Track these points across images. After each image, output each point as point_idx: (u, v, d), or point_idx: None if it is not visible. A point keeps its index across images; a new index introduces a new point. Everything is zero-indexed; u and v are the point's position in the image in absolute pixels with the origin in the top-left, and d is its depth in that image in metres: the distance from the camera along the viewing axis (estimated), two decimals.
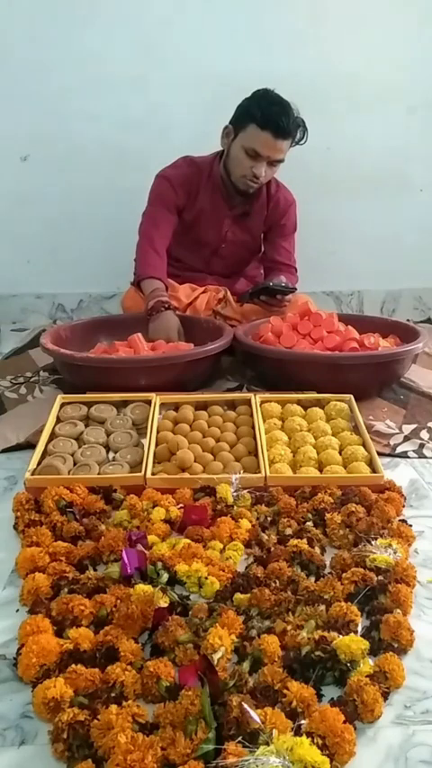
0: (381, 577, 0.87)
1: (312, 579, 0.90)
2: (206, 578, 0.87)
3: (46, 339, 1.61)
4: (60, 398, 1.38)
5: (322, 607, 0.81)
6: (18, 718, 0.69)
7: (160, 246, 1.87)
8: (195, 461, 1.20)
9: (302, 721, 0.65)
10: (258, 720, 0.63)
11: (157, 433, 1.28)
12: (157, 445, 1.25)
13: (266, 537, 0.98)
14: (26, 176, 2.36)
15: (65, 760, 0.63)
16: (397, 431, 1.43)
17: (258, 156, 1.77)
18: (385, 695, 0.70)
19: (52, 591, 0.85)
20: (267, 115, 1.72)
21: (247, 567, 0.92)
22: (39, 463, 1.17)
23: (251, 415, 1.35)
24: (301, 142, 1.81)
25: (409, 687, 0.73)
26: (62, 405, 1.37)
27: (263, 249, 2.12)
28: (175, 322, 1.72)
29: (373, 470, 1.18)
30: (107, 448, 1.27)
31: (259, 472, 1.16)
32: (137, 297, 1.88)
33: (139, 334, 1.68)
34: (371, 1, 2.29)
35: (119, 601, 0.81)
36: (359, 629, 0.78)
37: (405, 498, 1.12)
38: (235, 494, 1.09)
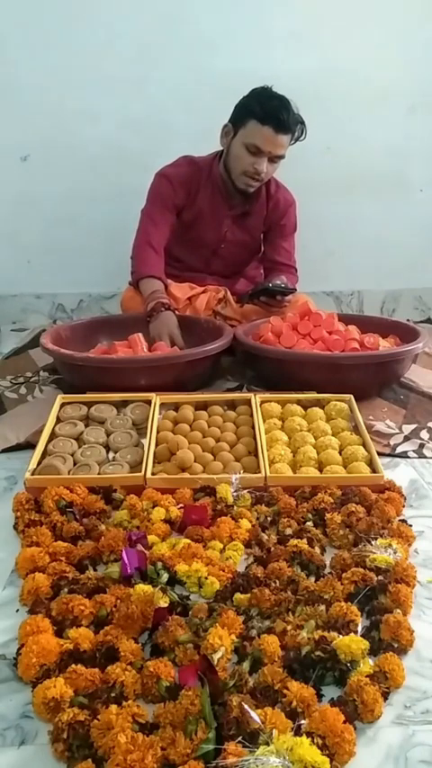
0: (381, 577, 0.87)
1: (312, 579, 0.90)
2: (206, 578, 0.88)
3: (46, 339, 1.61)
4: (60, 398, 1.38)
5: (322, 607, 0.81)
6: (18, 718, 0.70)
7: (158, 244, 1.87)
8: (195, 461, 1.20)
9: (302, 721, 0.65)
10: (258, 720, 0.63)
11: (157, 433, 1.28)
12: (157, 445, 1.25)
13: (266, 537, 0.98)
14: (26, 176, 2.36)
15: (65, 760, 0.63)
16: (397, 431, 1.43)
17: (259, 151, 1.77)
18: (385, 695, 0.70)
19: (52, 591, 0.85)
20: (268, 110, 1.72)
21: (247, 567, 0.92)
22: (39, 463, 1.17)
23: (251, 415, 1.35)
24: (301, 139, 1.81)
25: (409, 687, 0.73)
26: (62, 405, 1.37)
27: (263, 249, 2.12)
28: (174, 322, 1.72)
29: (373, 470, 1.18)
30: (107, 448, 1.27)
31: (259, 472, 1.16)
32: (136, 297, 1.88)
33: (140, 334, 1.68)
34: (371, 1, 2.29)
35: (119, 601, 0.81)
36: (359, 629, 0.78)
37: (405, 498, 1.12)
38: (235, 494, 1.09)
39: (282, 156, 1.81)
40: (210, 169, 1.93)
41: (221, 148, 1.91)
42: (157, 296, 1.77)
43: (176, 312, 1.80)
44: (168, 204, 1.90)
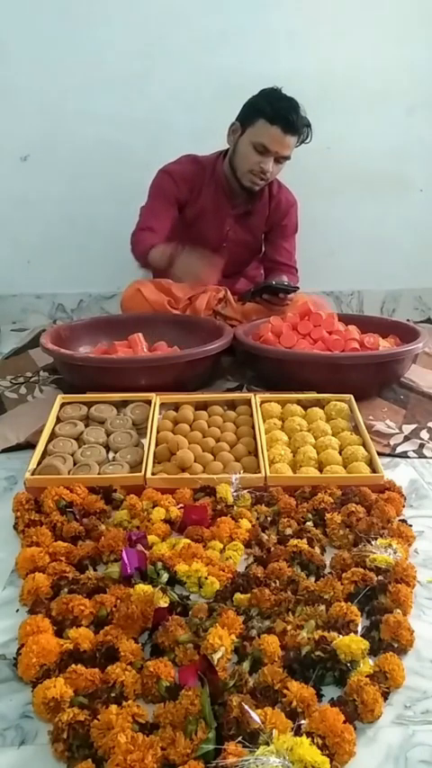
0: (381, 577, 0.87)
1: (312, 579, 0.90)
2: (206, 578, 0.87)
3: (46, 339, 1.61)
4: (60, 398, 1.38)
5: (322, 607, 0.81)
6: (18, 718, 0.70)
7: (157, 229, 1.87)
8: (195, 461, 1.20)
9: (302, 721, 0.65)
10: (258, 720, 0.63)
11: (157, 433, 1.28)
12: (157, 445, 1.25)
13: (266, 537, 0.98)
14: (26, 176, 2.36)
15: (65, 760, 0.63)
16: (397, 431, 1.43)
17: (266, 150, 1.78)
18: (385, 695, 0.70)
19: (52, 591, 0.85)
20: (277, 110, 1.73)
21: (247, 567, 0.92)
22: (39, 463, 1.17)
23: (251, 415, 1.35)
24: (306, 141, 1.82)
25: (409, 687, 0.73)
26: (62, 405, 1.37)
27: (263, 249, 2.12)
28: (196, 257, 1.69)
29: (373, 470, 1.18)
30: (107, 448, 1.27)
31: (259, 472, 1.16)
32: (137, 296, 1.87)
33: (139, 334, 1.68)
34: (371, 1, 2.29)
35: (119, 601, 0.81)
36: (359, 629, 0.78)
37: (405, 498, 1.12)
38: (235, 494, 1.09)
39: (287, 157, 1.82)
40: (213, 168, 1.93)
41: (223, 148, 1.92)
42: (170, 247, 1.73)
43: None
44: (170, 198, 1.90)
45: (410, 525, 1.02)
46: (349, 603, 0.81)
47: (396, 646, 0.77)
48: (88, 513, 1.04)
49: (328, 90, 2.33)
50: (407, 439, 1.40)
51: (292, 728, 0.64)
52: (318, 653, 0.73)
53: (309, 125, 1.79)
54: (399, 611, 0.82)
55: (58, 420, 1.32)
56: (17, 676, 0.73)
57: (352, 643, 0.73)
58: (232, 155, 1.88)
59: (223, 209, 1.96)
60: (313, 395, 1.44)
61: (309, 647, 0.74)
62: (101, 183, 2.37)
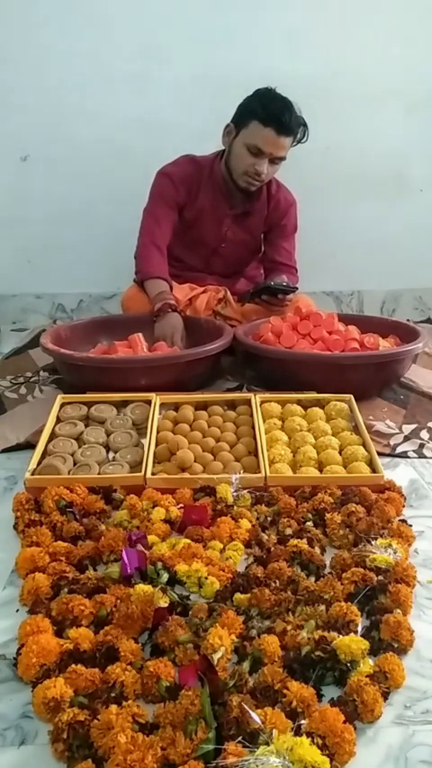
0: (381, 577, 0.87)
1: (312, 579, 0.90)
2: (206, 578, 0.88)
3: (46, 339, 1.61)
4: (60, 398, 1.38)
5: (322, 607, 0.81)
6: (18, 718, 0.70)
7: (162, 243, 1.88)
8: (195, 461, 1.20)
9: (302, 721, 0.65)
10: (258, 720, 0.63)
11: (157, 433, 1.28)
12: (157, 445, 1.25)
13: (266, 537, 0.98)
14: (26, 176, 2.37)
15: (65, 760, 0.63)
16: (397, 431, 1.43)
17: (261, 152, 1.77)
18: (385, 695, 0.70)
19: (52, 591, 0.85)
20: (270, 112, 1.72)
21: (247, 567, 0.92)
22: (39, 463, 1.17)
23: (251, 415, 1.35)
24: (303, 141, 1.82)
25: (409, 687, 0.73)
26: (62, 405, 1.37)
27: (263, 249, 2.12)
28: (180, 324, 1.73)
29: (373, 470, 1.18)
30: (107, 448, 1.27)
31: (259, 472, 1.16)
32: (137, 297, 1.88)
33: (139, 334, 1.68)
34: (371, 1, 2.29)
35: (119, 601, 0.81)
36: (359, 629, 0.78)
37: (405, 498, 1.12)
38: (235, 494, 1.09)
39: (283, 158, 1.82)
40: (211, 168, 1.93)
41: (223, 148, 1.92)
42: (165, 297, 1.77)
43: (182, 314, 1.80)
44: (170, 202, 1.90)
45: (410, 525, 1.02)
46: (349, 603, 0.81)
47: (396, 646, 0.77)
48: (88, 513, 1.04)
49: (329, 90, 2.32)
50: (407, 439, 1.40)
51: (292, 728, 0.64)
52: (318, 653, 0.73)
53: (304, 124, 1.79)
54: (399, 611, 0.82)
55: (58, 420, 1.32)
56: (17, 676, 0.73)
57: (352, 643, 0.73)
58: (227, 156, 1.88)
59: (221, 209, 1.96)
60: (313, 395, 1.44)
61: (309, 647, 0.74)
62: (101, 182, 2.37)
